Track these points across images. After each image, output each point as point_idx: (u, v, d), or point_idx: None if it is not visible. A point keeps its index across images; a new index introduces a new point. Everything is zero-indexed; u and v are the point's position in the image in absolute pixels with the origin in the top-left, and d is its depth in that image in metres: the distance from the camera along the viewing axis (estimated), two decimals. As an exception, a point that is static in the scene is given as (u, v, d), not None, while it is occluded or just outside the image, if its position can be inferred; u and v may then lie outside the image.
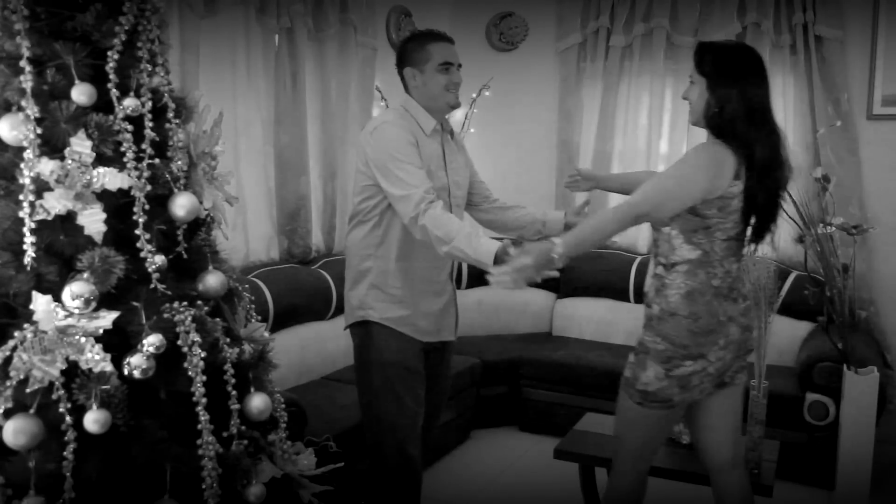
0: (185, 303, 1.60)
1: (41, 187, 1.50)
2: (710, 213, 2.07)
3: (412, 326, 2.48)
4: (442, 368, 2.68)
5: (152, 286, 1.57)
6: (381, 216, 2.44)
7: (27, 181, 1.49)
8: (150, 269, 1.57)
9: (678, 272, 2.13)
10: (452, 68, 2.46)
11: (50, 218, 1.50)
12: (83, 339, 1.45)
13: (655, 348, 2.13)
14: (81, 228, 1.52)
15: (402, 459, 2.50)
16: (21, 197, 1.49)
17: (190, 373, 1.56)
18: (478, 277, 4.51)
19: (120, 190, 1.56)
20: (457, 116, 4.60)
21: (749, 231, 2.16)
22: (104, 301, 1.49)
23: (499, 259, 2.16)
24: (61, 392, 1.44)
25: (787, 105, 4.16)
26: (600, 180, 2.76)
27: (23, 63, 1.51)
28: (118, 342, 1.50)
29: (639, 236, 4.50)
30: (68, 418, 1.44)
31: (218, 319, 1.66)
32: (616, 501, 2.37)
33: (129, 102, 1.59)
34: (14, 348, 1.43)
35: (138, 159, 1.59)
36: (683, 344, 2.09)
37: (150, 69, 1.64)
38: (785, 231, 3.87)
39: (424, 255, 2.45)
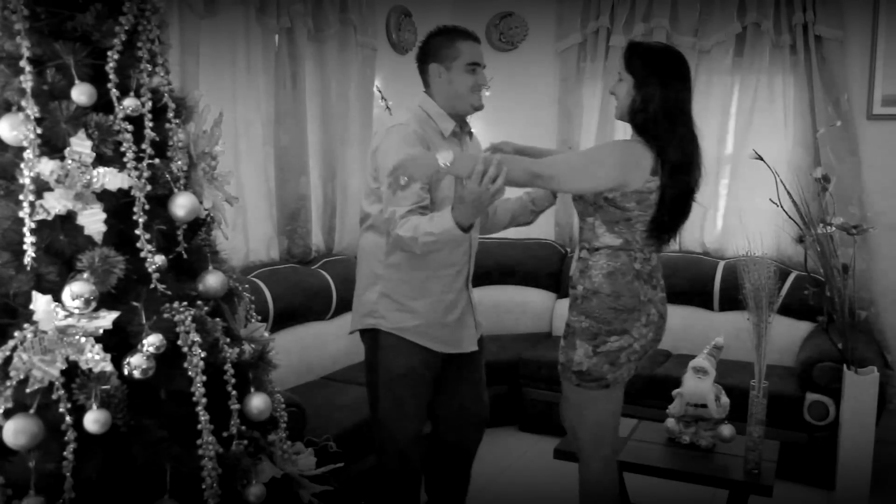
0: (185, 303, 1.59)
1: (41, 187, 1.50)
2: (630, 206, 2.16)
3: (426, 336, 2.43)
4: (467, 375, 2.62)
5: (152, 286, 1.57)
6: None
7: (27, 181, 1.49)
8: (150, 269, 1.57)
9: (601, 254, 2.23)
10: (479, 69, 2.41)
11: (50, 218, 1.50)
12: (83, 339, 1.45)
13: (581, 327, 2.23)
14: (81, 228, 1.52)
15: (401, 464, 2.50)
16: (21, 197, 1.49)
17: (190, 373, 1.56)
18: (479, 278, 4.51)
19: (120, 190, 1.55)
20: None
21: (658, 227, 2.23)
22: (104, 301, 1.49)
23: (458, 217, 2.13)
24: (61, 392, 1.44)
25: (787, 105, 4.15)
26: (525, 150, 2.61)
27: (23, 63, 1.51)
28: (118, 342, 1.50)
29: (639, 236, 4.49)
30: (68, 418, 1.44)
31: (218, 319, 1.66)
32: (589, 493, 2.38)
33: (129, 102, 1.59)
34: (14, 348, 1.43)
35: (138, 159, 1.58)
36: (607, 320, 2.20)
37: (150, 69, 1.64)
38: (785, 231, 3.89)
39: (438, 263, 2.41)
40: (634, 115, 2.17)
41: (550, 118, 4.74)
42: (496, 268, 4.49)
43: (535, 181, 2.17)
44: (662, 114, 2.14)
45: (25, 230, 1.48)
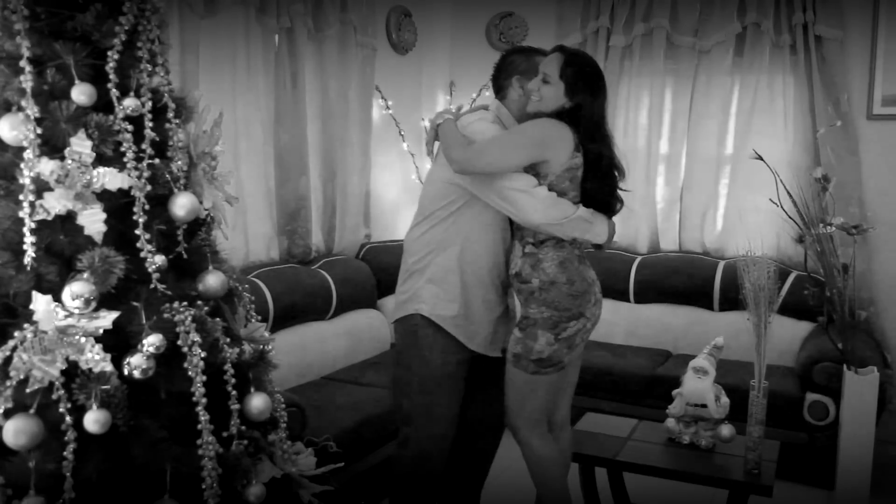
0: (185, 303, 1.59)
1: (41, 187, 1.50)
2: (565, 186, 2.33)
3: (462, 329, 2.45)
4: (495, 379, 2.59)
5: (152, 286, 1.57)
6: (451, 215, 2.43)
7: (27, 181, 1.49)
8: (150, 269, 1.57)
9: (548, 246, 2.37)
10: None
11: (50, 218, 1.50)
12: (83, 339, 1.45)
13: (542, 317, 2.37)
14: (81, 228, 1.52)
15: (419, 465, 2.49)
16: (21, 197, 1.49)
17: (190, 373, 1.56)
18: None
19: (120, 190, 1.55)
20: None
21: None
22: (104, 301, 1.49)
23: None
24: (61, 392, 1.44)
25: (787, 105, 4.15)
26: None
27: (23, 63, 1.51)
28: (118, 342, 1.50)
29: (638, 236, 4.50)
30: (68, 418, 1.44)
31: (218, 319, 1.66)
32: (541, 472, 2.50)
33: (129, 102, 1.59)
34: (14, 348, 1.43)
35: (138, 159, 1.58)
36: (566, 307, 2.36)
37: (150, 69, 1.64)
38: (785, 231, 3.88)
39: (488, 265, 2.46)
40: (560, 117, 2.33)
41: (550, 118, 4.73)
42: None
43: (466, 163, 2.30)
44: (593, 120, 2.34)
45: (25, 230, 1.48)
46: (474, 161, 2.29)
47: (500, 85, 2.56)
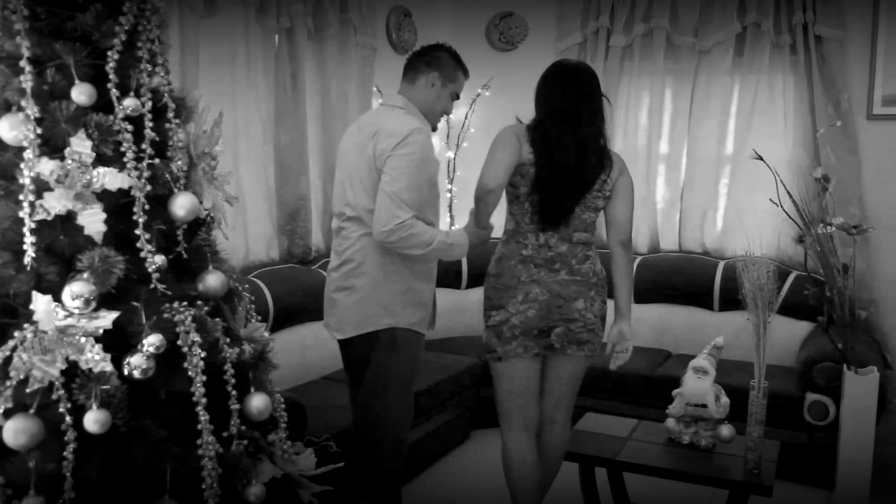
0: (185, 303, 1.59)
1: (41, 187, 1.50)
2: (516, 181, 2.45)
3: (425, 323, 2.58)
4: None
5: (152, 286, 1.57)
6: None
7: (27, 181, 1.49)
8: (150, 269, 1.57)
9: (503, 240, 2.58)
10: (455, 101, 2.66)
11: (50, 218, 1.50)
12: (83, 339, 1.45)
13: (482, 305, 2.57)
14: (81, 228, 1.52)
15: (400, 462, 2.58)
16: (21, 197, 1.49)
17: (190, 373, 1.56)
18: (479, 277, 4.51)
19: (120, 190, 1.55)
20: (457, 116, 4.60)
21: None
22: (104, 301, 1.49)
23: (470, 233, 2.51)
24: (61, 392, 1.44)
25: (787, 105, 4.16)
26: None
27: (23, 63, 1.51)
28: (118, 342, 1.50)
29: (638, 236, 4.49)
30: (68, 418, 1.44)
31: (218, 319, 1.66)
32: (503, 457, 2.62)
33: (129, 102, 1.59)
34: (14, 348, 1.42)
35: (138, 159, 1.58)
36: (489, 297, 2.55)
37: (150, 69, 1.64)
38: (785, 231, 3.89)
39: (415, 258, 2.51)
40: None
41: (550, 118, 4.73)
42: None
43: (487, 200, 2.43)
44: (545, 118, 2.47)
45: (25, 230, 1.48)
46: (490, 184, 2.40)
47: (416, 66, 2.57)
